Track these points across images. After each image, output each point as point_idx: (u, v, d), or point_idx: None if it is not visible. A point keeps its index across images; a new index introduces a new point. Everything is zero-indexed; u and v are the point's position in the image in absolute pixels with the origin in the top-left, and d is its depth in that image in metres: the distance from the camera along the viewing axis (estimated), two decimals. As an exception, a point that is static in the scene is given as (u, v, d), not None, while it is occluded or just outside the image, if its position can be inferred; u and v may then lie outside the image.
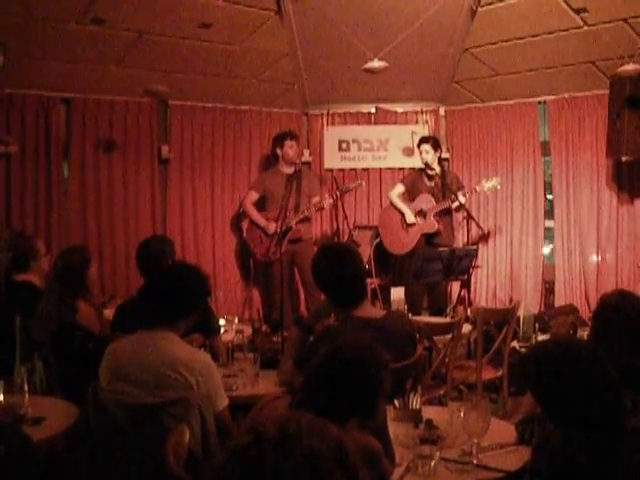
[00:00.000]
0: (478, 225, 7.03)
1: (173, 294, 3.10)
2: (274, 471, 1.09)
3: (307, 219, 7.03)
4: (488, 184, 6.81)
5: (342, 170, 7.85)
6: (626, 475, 1.95)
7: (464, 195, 6.79)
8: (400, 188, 7.07)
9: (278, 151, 7.08)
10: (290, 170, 6.95)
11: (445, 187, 6.90)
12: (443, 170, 7.02)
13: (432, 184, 6.97)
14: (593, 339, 2.88)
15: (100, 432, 2.91)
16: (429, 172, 6.97)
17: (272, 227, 6.78)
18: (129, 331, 3.16)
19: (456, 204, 6.74)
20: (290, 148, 7.00)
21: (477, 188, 6.84)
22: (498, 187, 6.88)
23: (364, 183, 7.17)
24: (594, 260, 7.22)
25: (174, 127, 7.42)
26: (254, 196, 7.11)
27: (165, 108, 7.41)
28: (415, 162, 7.34)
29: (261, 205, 7.14)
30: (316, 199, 7.00)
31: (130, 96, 7.09)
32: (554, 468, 2.04)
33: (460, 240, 7.47)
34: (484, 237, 7.53)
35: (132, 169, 7.20)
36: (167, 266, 3.99)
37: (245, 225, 7.34)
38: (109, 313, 4.48)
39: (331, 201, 6.86)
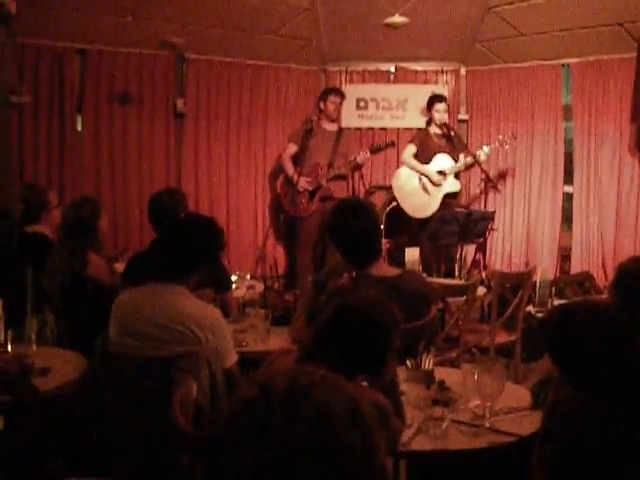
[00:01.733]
0: (495, 187, 6.95)
1: (186, 247, 3.05)
2: (282, 426, 1.03)
3: (341, 177, 6.90)
4: (487, 149, 6.73)
5: (359, 129, 7.74)
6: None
7: (466, 156, 6.70)
8: (412, 149, 6.92)
9: (321, 105, 6.97)
10: (331, 127, 6.89)
11: (456, 146, 6.81)
12: (450, 129, 6.90)
13: (442, 144, 6.86)
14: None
15: (108, 384, 2.90)
16: (437, 132, 6.86)
17: (302, 183, 6.74)
18: (140, 283, 3.12)
19: (472, 160, 6.64)
20: (332, 103, 6.88)
21: (481, 153, 6.72)
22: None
23: (394, 143, 7.06)
24: (612, 228, 7.11)
25: (190, 81, 7.33)
26: (292, 149, 6.95)
27: (181, 61, 7.29)
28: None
29: (299, 160, 6.98)
30: (351, 158, 6.88)
31: (146, 48, 6.99)
32: (569, 434, 1.99)
33: (477, 202, 7.42)
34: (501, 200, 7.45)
35: (147, 123, 7.12)
36: (180, 218, 3.93)
37: (280, 179, 7.25)
38: (121, 266, 4.45)
39: (367, 156, 6.75)
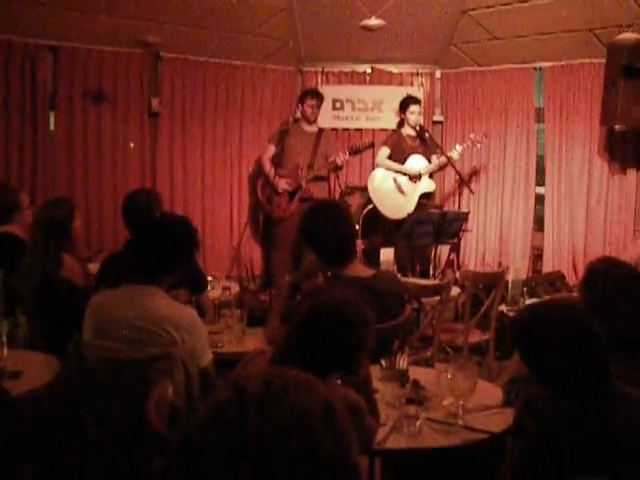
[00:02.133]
0: (469, 188, 7.01)
1: (160, 248, 3.04)
2: (257, 428, 1.04)
3: (321, 179, 6.92)
4: (459, 148, 6.79)
5: (335, 130, 7.77)
6: (610, 440, 1.93)
7: (439, 157, 6.75)
8: (386, 151, 6.95)
9: (299, 107, 7.00)
10: (311, 128, 6.92)
11: (430, 147, 6.86)
12: (424, 131, 6.95)
13: (415, 145, 6.90)
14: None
15: (82, 386, 2.88)
16: (411, 133, 6.91)
17: (282, 184, 6.75)
18: (114, 285, 3.11)
19: (445, 160, 6.69)
20: (309, 106, 6.90)
21: (453, 153, 6.78)
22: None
23: (374, 144, 7.08)
24: (583, 227, 7.21)
25: (165, 80, 7.29)
26: (271, 150, 6.94)
27: (156, 60, 7.25)
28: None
29: (278, 161, 6.99)
30: (330, 159, 6.90)
31: (121, 46, 6.94)
32: (539, 430, 2.02)
33: (450, 202, 7.49)
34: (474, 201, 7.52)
35: (121, 122, 7.07)
36: (154, 218, 3.91)
37: (260, 181, 7.23)
38: (95, 267, 4.42)
39: (346, 157, 6.76)
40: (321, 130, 6.95)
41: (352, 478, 1.10)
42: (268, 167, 6.85)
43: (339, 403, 1.14)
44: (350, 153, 6.79)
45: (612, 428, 1.95)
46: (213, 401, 1.10)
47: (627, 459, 1.91)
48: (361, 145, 7.00)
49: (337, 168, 6.85)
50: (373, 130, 7.85)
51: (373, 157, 7.61)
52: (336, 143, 7.35)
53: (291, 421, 1.05)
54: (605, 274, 2.74)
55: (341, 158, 6.70)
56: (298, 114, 7.10)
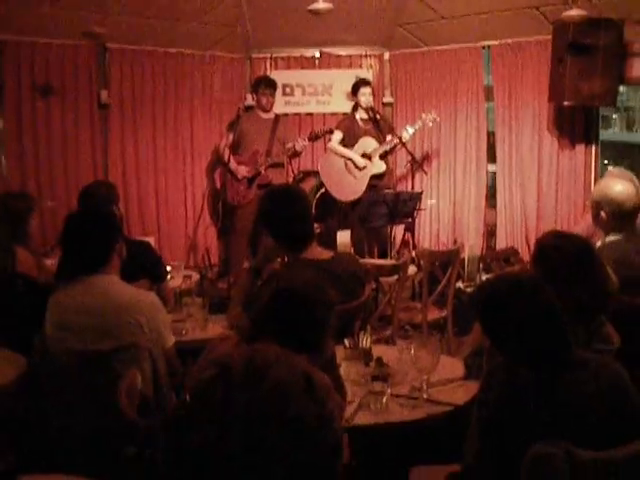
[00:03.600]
0: (422, 168, 7.09)
1: (85, 241, 3.03)
2: (243, 403, 1.08)
3: (279, 165, 6.96)
4: (411, 129, 6.87)
5: (286, 115, 7.77)
6: (570, 407, 2.00)
7: (392, 139, 6.82)
8: (338, 135, 7.00)
9: (253, 96, 7.02)
10: (267, 115, 6.95)
11: (382, 129, 6.92)
12: (375, 113, 7.01)
13: (367, 127, 6.96)
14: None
15: (49, 381, 2.88)
16: (363, 116, 6.97)
17: (242, 171, 6.77)
18: (72, 279, 3.10)
19: (396, 141, 6.76)
20: (263, 95, 6.93)
21: (404, 134, 6.85)
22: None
23: (332, 130, 7.11)
24: (534, 203, 7.34)
25: (113, 71, 7.21)
26: (229, 138, 6.94)
27: (103, 52, 7.17)
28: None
29: (236, 149, 6.99)
30: (288, 145, 6.92)
31: (67, 39, 6.84)
32: (501, 400, 2.09)
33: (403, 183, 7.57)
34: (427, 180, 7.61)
35: (71, 115, 6.99)
36: (68, 217, 3.82)
37: (219, 169, 7.24)
38: (51, 263, 4.38)
39: (305, 143, 6.82)
40: (277, 116, 6.97)
41: (335, 445, 1.16)
42: (226, 155, 6.85)
43: (318, 376, 1.19)
44: (309, 139, 6.84)
45: (572, 395, 2.02)
46: (199, 379, 1.14)
47: (587, 425, 1.98)
48: (320, 131, 7.04)
49: (296, 154, 6.91)
50: (324, 114, 7.87)
51: (324, 142, 7.65)
52: (293, 129, 7.37)
53: (275, 393, 1.10)
54: (557, 247, 2.81)
55: (300, 144, 6.77)
56: (251, 102, 7.09)
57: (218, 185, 7.17)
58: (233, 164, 6.81)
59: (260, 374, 1.12)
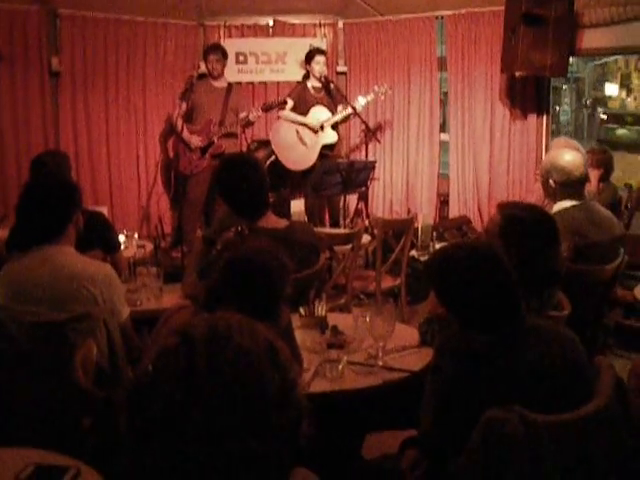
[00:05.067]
0: (375, 138, 7.10)
1: (43, 211, 2.98)
2: (206, 371, 1.09)
3: (232, 135, 6.90)
4: (363, 100, 6.87)
5: (239, 84, 7.71)
6: (522, 372, 2.05)
7: (345, 109, 6.81)
8: (290, 103, 6.96)
9: (204, 64, 6.92)
10: (219, 84, 6.85)
11: (332, 98, 6.92)
12: (329, 82, 7.00)
13: (319, 96, 6.95)
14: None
15: (1, 353, 2.84)
16: (316, 85, 6.94)
17: (195, 141, 6.70)
18: (25, 249, 3.06)
19: (349, 110, 6.76)
20: (210, 62, 6.84)
21: (356, 104, 6.85)
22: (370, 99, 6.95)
23: (287, 101, 7.06)
24: (486, 173, 7.42)
25: (65, 38, 7.03)
26: (183, 107, 6.81)
27: (54, 18, 6.98)
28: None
29: (189, 118, 6.91)
30: (242, 114, 6.86)
31: (16, 3, 6.65)
32: (455, 366, 2.13)
33: (357, 152, 7.59)
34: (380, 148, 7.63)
35: (20, 83, 6.80)
36: (27, 185, 3.74)
37: (172, 138, 7.15)
38: (2, 233, 4.31)
39: (259, 114, 6.77)
40: (230, 85, 6.89)
41: (298, 412, 1.18)
42: (179, 124, 6.77)
43: (280, 343, 1.20)
44: (263, 110, 6.79)
45: (525, 360, 2.06)
46: (161, 347, 1.15)
47: (540, 389, 2.02)
48: (274, 102, 6.99)
49: (249, 124, 6.88)
50: (278, 82, 7.82)
51: (278, 111, 7.62)
52: (246, 98, 7.31)
53: (238, 361, 1.11)
54: (522, 219, 2.83)
55: (254, 114, 6.72)
56: (203, 69, 7.00)
57: (171, 154, 7.09)
58: (186, 134, 6.74)
59: (223, 341, 1.13)
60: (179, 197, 6.86)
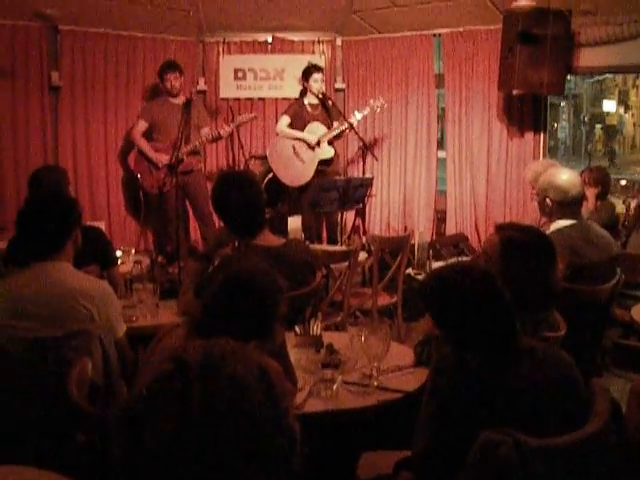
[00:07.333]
0: (372, 154, 7.12)
1: (44, 225, 2.98)
2: (200, 397, 1.10)
3: (197, 152, 6.92)
4: (359, 114, 6.89)
5: (238, 99, 7.74)
6: (516, 393, 2.05)
7: (341, 124, 6.82)
8: (286, 119, 6.97)
9: (161, 82, 6.92)
10: (178, 101, 6.78)
11: (329, 115, 6.93)
12: (327, 99, 7.02)
13: (316, 113, 6.96)
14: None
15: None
16: (313, 101, 6.96)
17: (163, 159, 6.66)
18: (23, 265, 3.06)
19: (346, 126, 6.77)
20: (168, 81, 6.83)
21: (352, 119, 6.87)
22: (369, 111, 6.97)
23: (257, 116, 7.07)
24: (484, 190, 7.43)
25: (65, 54, 7.09)
26: (143, 126, 6.86)
27: (55, 33, 7.04)
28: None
29: (149, 136, 6.92)
30: (205, 130, 6.86)
31: (18, 20, 6.71)
32: (450, 387, 2.13)
33: (354, 169, 7.60)
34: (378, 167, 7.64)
35: (21, 97, 6.87)
36: (28, 200, 3.76)
37: (133, 156, 7.13)
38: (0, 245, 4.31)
39: (229, 129, 6.75)
40: (189, 101, 6.42)
41: (290, 438, 1.18)
42: (143, 143, 6.77)
43: (273, 369, 1.21)
44: (232, 125, 6.78)
45: (518, 382, 2.06)
46: (155, 373, 1.15)
47: (534, 412, 2.02)
48: (245, 118, 6.95)
49: (219, 138, 6.88)
50: (276, 99, 7.85)
51: (268, 127, 7.67)
52: (205, 113, 7.25)
53: (231, 389, 1.11)
54: (520, 242, 2.83)
55: (225, 129, 6.75)
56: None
57: (134, 173, 7.04)
58: (152, 152, 6.75)
59: (216, 369, 1.14)
60: (152, 216, 6.81)
